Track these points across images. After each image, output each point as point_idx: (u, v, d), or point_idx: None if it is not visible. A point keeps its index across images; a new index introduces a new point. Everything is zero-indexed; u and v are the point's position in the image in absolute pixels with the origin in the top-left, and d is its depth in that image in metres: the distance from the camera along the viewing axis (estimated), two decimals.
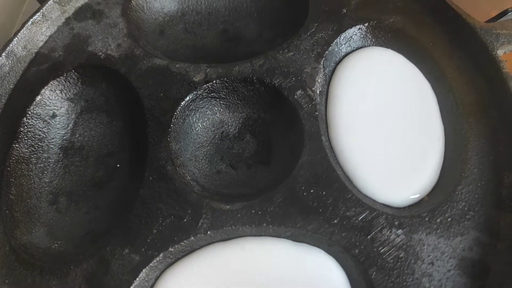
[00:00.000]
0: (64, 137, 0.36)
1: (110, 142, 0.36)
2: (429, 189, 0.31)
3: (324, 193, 0.30)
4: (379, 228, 0.29)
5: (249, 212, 0.30)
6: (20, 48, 0.36)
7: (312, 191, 0.30)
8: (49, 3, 0.37)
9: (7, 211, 0.31)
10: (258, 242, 0.30)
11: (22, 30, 0.36)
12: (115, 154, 0.36)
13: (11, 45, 0.35)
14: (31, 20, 0.36)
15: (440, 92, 0.34)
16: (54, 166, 0.35)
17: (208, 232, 0.29)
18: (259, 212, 0.30)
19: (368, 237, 0.28)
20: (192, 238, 0.29)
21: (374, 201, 0.31)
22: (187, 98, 0.34)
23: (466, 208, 0.29)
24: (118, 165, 0.35)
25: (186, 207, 0.30)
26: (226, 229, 0.29)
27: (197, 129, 0.35)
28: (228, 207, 0.30)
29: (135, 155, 0.35)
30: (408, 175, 0.31)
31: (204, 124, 0.36)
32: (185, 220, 0.30)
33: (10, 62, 0.35)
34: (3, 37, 0.47)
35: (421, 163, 0.32)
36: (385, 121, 0.33)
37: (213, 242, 0.30)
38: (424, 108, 0.33)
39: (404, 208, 0.30)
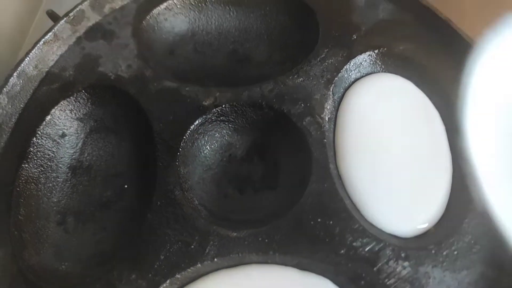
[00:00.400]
0: (73, 157, 0.36)
1: (118, 162, 0.36)
2: (436, 220, 0.31)
3: (331, 222, 0.30)
4: (385, 260, 0.29)
5: (256, 240, 0.30)
6: (31, 67, 0.36)
7: (319, 220, 0.30)
8: (60, 23, 0.37)
9: (15, 232, 0.32)
10: (264, 270, 0.30)
11: (34, 49, 0.36)
12: (123, 174, 0.36)
13: (22, 64, 0.35)
14: (43, 39, 0.37)
15: (448, 122, 0.34)
16: (62, 185, 0.35)
17: (215, 259, 0.29)
18: (266, 240, 0.30)
19: (375, 268, 0.29)
20: (199, 265, 0.29)
21: (381, 231, 0.31)
22: (197, 122, 0.34)
23: (472, 242, 0.29)
24: (125, 186, 0.35)
25: (193, 233, 0.30)
26: (233, 256, 0.29)
27: (205, 152, 0.36)
28: (235, 234, 0.30)
29: (143, 177, 0.35)
30: (415, 205, 0.31)
31: (212, 146, 0.36)
32: (193, 246, 0.30)
33: (21, 81, 0.35)
34: (13, 52, 0.47)
35: (428, 193, 0.32)
36: (393, 149, 0.33)
37: (219, 269, 0.30)
38: (432, 138, 0.34)
39: (410, 239, 0.31)
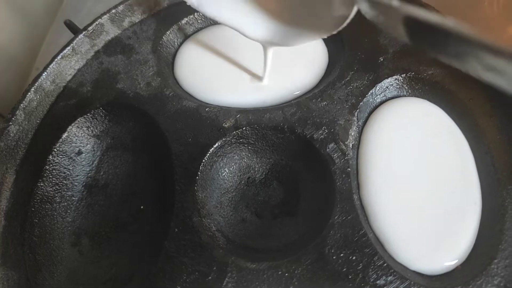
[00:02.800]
0: (89, 174, 0.35)
1: (134, 181, 0.35)
2: (464, 257, 0.30)
3: (354, 258, 0.29)
4: None
5: (275, 273, 0.29)
6: (49, 82, 0.35)
7: (342, 255, 0.29)
8: (79, 36, 0.36)
9: (30, 254, 0.31)
10: None
11: (52, 64, 0.35)
12: (139, 194, 0.35)
13: (40, 79, 0.35)
14: (61, 54, 0.36)
15: (477, 153, 0.33)
16: (77, 204, 0.34)
17: None
18: (286, 274, 0.29)
19: None
20: None
21: (406, 268, 0.29)
22: (216, 144, 0.33)
23: (502, 284, 0.28)
24: (142, 207, 0.35)
25: (211, 264, 0.29)
26: None
27: (223, 174, 0.35)
28: (254, 266, 0.29)
29: (159, 199, 0.34)
30: (441, 242, 0.30)
31: (230, 169, 0.35)
32: (210, 277, 0.29)
33: (38, 97, 0.35)
34: (30, 52, 0.47)
35: (457, 228, 0.30)
36: (420, 180, 0.32)
37: None
38: (461, 168, 0.32)
39: (436, 277, 0.29)
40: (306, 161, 0.34)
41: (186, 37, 0.39)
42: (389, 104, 0.35)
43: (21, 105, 0.34)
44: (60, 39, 0.48)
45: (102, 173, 0.36)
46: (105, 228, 0.34)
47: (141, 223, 0.34)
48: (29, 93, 0.34)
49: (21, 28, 0.47)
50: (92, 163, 0.36)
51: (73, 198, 0.34)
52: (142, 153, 0.36)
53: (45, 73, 0.35)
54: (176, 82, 0.37)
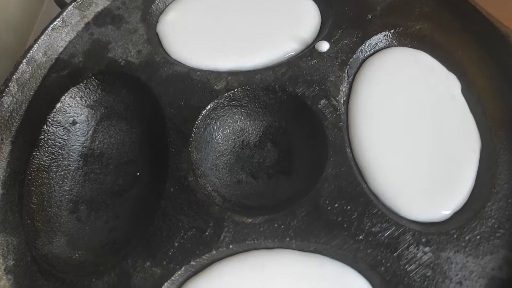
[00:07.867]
0: (84, 144, 0.36)
1: (129, 149, 0.36)
2: (462, 204, 0.30)
3: (348, 207, 0.29)
4: (405, 245, 0.28)
5: (271, 226, 0.29)
6: (41, 54, 0.36)
7: (336, 205, 0.29)
8: (68, 8, 0.37)
9: (28, 221, 0.31)
10: (281, 256, 0.29)
11: (42, 36, 0.36)
12: (134, 162, 0.35)
13: (31, 51, 0.35)
14: (51, 26, 0.36)
15: (468, 103, 0.33)
16: (74, 173, 0.35)
17: (230, 246, 0.29)
18: (282, 226, 0.29)
19: (395, 254, 0.28)
20: (214, 251, 0.29)
21: (401, 216, 0.30)
22: (208, 106, 0.33)
23: (495, 226, 0.28)
24: (138, 173, 0.35)
25: (208, 220, 0.29)
26: (249, 243, 0.29)
27: (217, 138, 0.35)
28: (250, 220, 0.29)
29: (155, 164, 0.34)
30: (440, 190, 0.30)
31: (224, 132, 0.35)
32: (207, 233, 0.29)
33: (30, 68, 0.35)
34: (21, 40, 0.47)
35: (455, 178, 0.30)
36: (414, 129, 0.32)
37: (234, 254, 0.29)
38: (458, 116, 0.32)
39: (431, 223, 0.30)
40: (298, 119, 0.34)
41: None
42: (378, 55, 0.35)
43: (14, 76, 0.34)
44: None
45: (97, 142, 0.36)
46: (102, 195, 0.34)
47: (138, 189, 0.34)
48: (21, 65, 0.34)
49: (11, 9, 0.47)
50: (87, 133, 0.36)
51: (70, 167, 0.35)
52: (136, 120, 0.36)
53: (36, 45, 0.35)
54: (164, 50, 0.37)
